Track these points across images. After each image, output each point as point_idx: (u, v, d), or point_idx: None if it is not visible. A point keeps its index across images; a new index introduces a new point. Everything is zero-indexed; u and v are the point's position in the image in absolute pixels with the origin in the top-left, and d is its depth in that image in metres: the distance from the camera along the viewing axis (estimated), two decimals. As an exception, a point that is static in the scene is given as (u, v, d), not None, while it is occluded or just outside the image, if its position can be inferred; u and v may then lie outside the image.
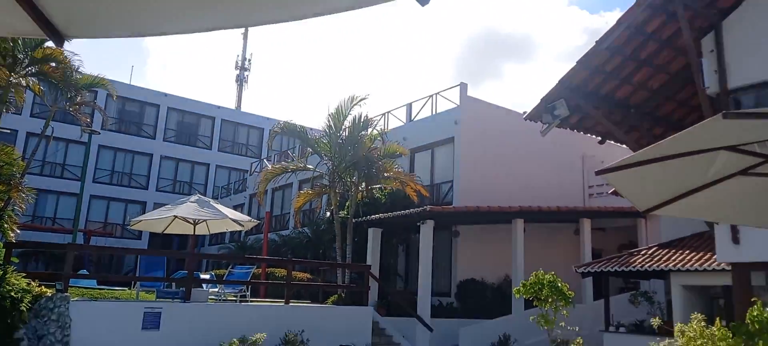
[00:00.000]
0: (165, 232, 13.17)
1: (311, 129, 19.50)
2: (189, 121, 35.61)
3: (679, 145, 3.43)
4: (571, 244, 15.94)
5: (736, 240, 8.14)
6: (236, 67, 41.53)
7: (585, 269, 11.93)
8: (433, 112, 19.68)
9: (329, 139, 15.43)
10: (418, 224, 14.60)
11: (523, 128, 14.23)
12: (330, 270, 16.82)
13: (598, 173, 3.89)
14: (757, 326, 4.52)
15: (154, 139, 34.00)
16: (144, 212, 28.72)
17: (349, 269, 14.50)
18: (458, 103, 18.40)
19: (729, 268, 8.38)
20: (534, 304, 6.99)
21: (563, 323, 6.83)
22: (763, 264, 8.04)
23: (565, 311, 6.54)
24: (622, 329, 10.70)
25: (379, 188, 16.81)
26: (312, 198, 17.14)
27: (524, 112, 11.60)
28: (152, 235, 28.00)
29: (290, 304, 11.75)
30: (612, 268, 11.08)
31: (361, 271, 14.41)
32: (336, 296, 13.96)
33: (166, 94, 34.72)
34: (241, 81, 41.18)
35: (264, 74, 67.02)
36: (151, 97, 34.19)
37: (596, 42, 9.63)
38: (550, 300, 6.57)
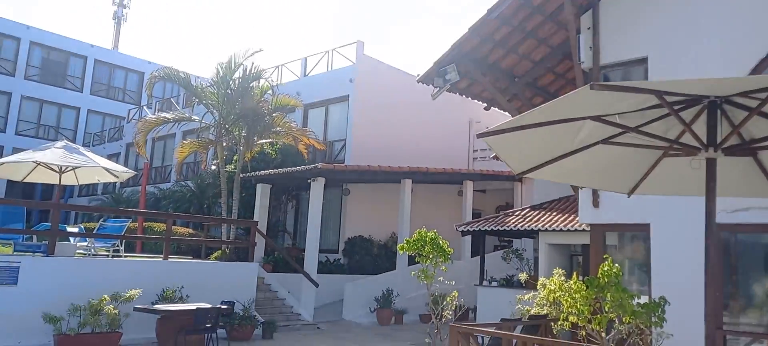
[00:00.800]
0: (26, 180, 11.87)
1: (198, 77, 18.41)
2: (56, 59, 32.01)
3: (551, 112, 3.64)
4: (455, 204, 16.76)
5: (596, 204, 8.99)
6: (114, 3, 37.77)
7: (465, 227, 12.63)
8: (329, 69, 19.42)
9: (217, 90, 14.67)
10: (309, 180, 14.49)
11: (416, 91, 14.52)
12: (215, 226, 16.25)
13: (479, 135, 4.04)
14: (606, 280, 5.04)
15: (14, 76, 30.25)
16: (1, 157, 25.70)
17: (235, 225, 14.10)
18: (354, 61, 18.30)
19: (588, 228, 9.26)
20: (416, 260, 7.28)
21: (442, 278, 7.19)
22: (617, 225, 8.97)
23: (444, 267, 6.88)
24: (494, 283, 11.56)
25: (270, 143, 16.38)
26: (197, 150, 16.31)
27: (418, 75, 11.79)
28: (10, 183, 25.17)
29: (169, 260, 11.21)
30: (489, 227, 11.83)
31: (248, 227, 14.08)
32: (220, 252, 13.55)
33: (28, 27, 30.86)
34: (118, 18, 37.54)
35: (146, 13, 61.73)
36: (10, 28, 30.22)
37: (487, 10, 9.93)
38: (430, 257, 6.87)
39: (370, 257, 15.85)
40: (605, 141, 4.32)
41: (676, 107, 3.77)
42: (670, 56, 8.70)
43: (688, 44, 8.53)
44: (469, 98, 12.79)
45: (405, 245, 7.20)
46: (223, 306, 9.49)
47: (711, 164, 3.72)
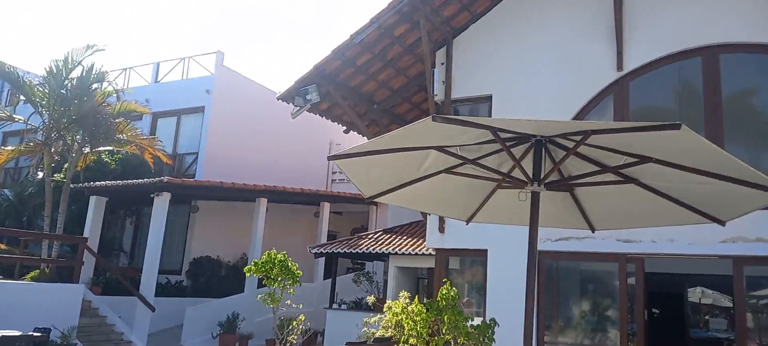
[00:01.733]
0: None
1: (27, 73, 16.28)
2: None
3: (398, 140, 3.75)
4: (312, 225, 16.65)
5: (442, 229, 9.49)
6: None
7: (318, 249, 12.57)
8: (185, 77, 18.35)
9: (49, 88, 13.04)
10: (153, 195, 13.42)
11: (276, 107, 14.25)
12: (33, 242, 14.26)
13: (329, 158, 4.02)
14: (444, 303, 5.28)
15: None
16: None
17: (59, 241, 12.50)
18: (213, 71, 17.52)
19: (434, 252, 9.73)
20: (263, 283, 7.02)
21: (289, 302, 7.03)
22: (460, 250, 9.55)
23: (291, 290, 6.73)
24: (343, 306, 11.61)
25: (109, 152, 14.91)
26: (20, 155, 14.29)
27: (279, 93, 11.59)
28: None
29: (-30, 280, 9.58)
30: (342, 249, 11.91)
31: (76, 243, 12.58)
32: (38, 271, 11.90)
33: None
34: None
35: (-31, -6, 53.37)
36: None
37: (350, 35, 10.11)
38: (279, 279, 6.68)
39: (217, 278, 15.04)
40: (447, 170, 4.55)
41: (508, 143, 4.09)
42: (511, 97, 9.55)
43: (526, 88, 9.44)
44: (330, 120, 12.87)
45: (253, 267, 6.93)
46: (35, 334, 8.31)
47: (535, 197, 4.09)
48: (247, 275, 7.23)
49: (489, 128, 3.58)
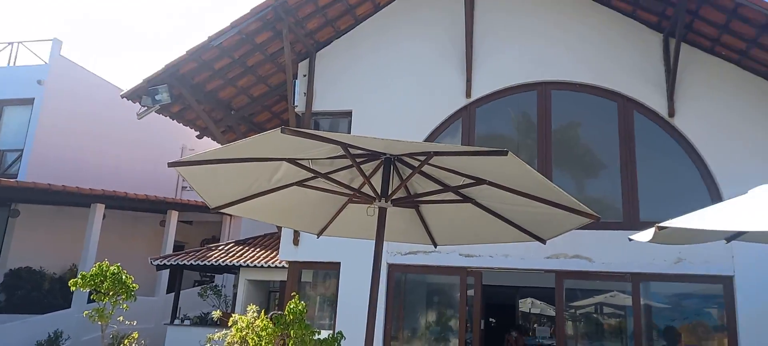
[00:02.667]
0: None
1: None
2: None
3: (246, 150, 3.64)
4: (157, 235, 15.49)
5: (296, 242, 9.39)
6: None
7: (161, 261, 11.73)
8: (11, 64, 16.14)
9: None
10: (-40, 195, 11.54)
11: (122, 106, 13.10)
12: None
13: (170, 165, 3.77)
14: (292, 317, 5.22)
15: None
16: None
17: None
18: (48, 60, 15.63)
19: (287, 265, 9.59)
20: (92, 297, 6.35)
21: (121, 318, 6.43)
22: (313, 263, 9.52)
23: (125, 305, 6.17)
24: (186, 322, 10.94)
25: None
26: None
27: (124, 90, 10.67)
28: None
29: None
30: (188, 261, 11.24)
31: None
32: None
33: None
34: None
35: None
36: None
37: (208, 37, 9.67)
38: (111, 293, 6.08)
39: (38, 292, 13.29)
40: (299, 183, 4.53)
41: (359, 160, 4.19)
42: (370, 114, 9.80)
43: (384, 106, 9.77)
44: (182, 124, 12.13)
45: (80, 280, 6.22)
46: None
47: (382, 213, 4.22)
48: (72, 288, 6.48)
49: (339, 143, 3.63)
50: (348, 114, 9.99)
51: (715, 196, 7.99)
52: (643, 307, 8.31)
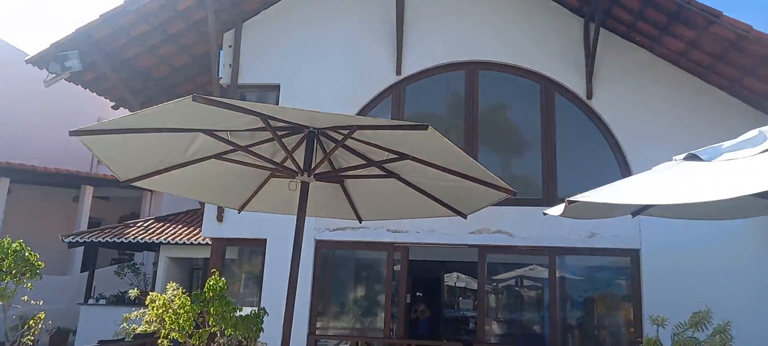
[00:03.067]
0: None
1: None
2: None
3: (156, 119, 3.43)
4: (69, 211, 14.56)
5: (220, 218, 9.11)
6: None
7: (73, 238, 11.05)
8: None
9: None
10: None
11: (31, 72, 12.10)
12: None
13: (71, 133, 3.49)
14: (211, 294, 5.06)
15: None
16: None
17: None
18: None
19: (211, 242, 9.30)
20: (-8, 277, 5.86)
21: (26, 298, 6.00)
22: (238, 240, 9.29)
23: (29, 284, 5.75)
24: (102, 302, 10.40)
25: None
26: None
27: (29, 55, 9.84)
28: None
29: None
30: (104, 239, 10.65)
31: None
32: None
33: None
34: None
35: None
36: None
37: (125, 2, 9.06)
38: (13, 272, 5.64)
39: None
40: (217, 156, 4.35)
41: (282, 133, 4.07)
42: (298, 88, 9.59)
43: (314, 80, 9.58)
44: (96, 93, 11.37)
45: (-24, 259, 5.71)
46: None
47: (304, 187, 4.13)
48: (-33, 269, 5.93)
49: (258, 115, 3.50)
50: (276, 88, 9.73)
51: (626, 175, 8.46)
52: (559, 279, 8.74)
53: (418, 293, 14.14)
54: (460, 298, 15.43)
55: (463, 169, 3.84)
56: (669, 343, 4.74)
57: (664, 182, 3.09)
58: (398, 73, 9.40)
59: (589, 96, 8.84)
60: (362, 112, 9.40)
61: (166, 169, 4.30)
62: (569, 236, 8.44)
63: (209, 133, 3.91)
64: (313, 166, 4.08)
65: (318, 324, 8.90)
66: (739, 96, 8.21)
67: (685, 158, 3.24)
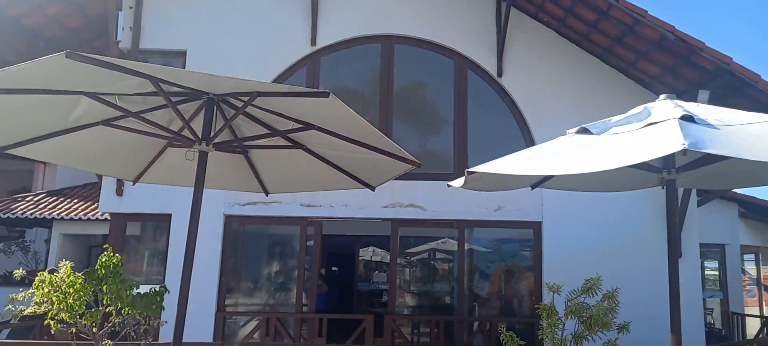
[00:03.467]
0: None
1: None
2: None
3: (27, 77, 3.07)
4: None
5: (120, 192, 8.56)
6: None
7: (-48, 214, 9.99)
8: None
9: None
10: None
11: None
12: None
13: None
14: (104, 271, 4.72)
15: None
16: None
17: None
18: None
19: (110, 218, 8.72)
20: None
21: None
22: (141, 215, 8.78)
23: None
24: (-14, 283, 9.53)
25: None
26: None
27: None
28: None
29: None
30: (-13, 214, 9.71)
31: None
32: None
33: None
34: None
35: None
36: None
37: (7, -48, 8.16)
38: None
39: None
40: (106, 123, 4.02)
41: (178, 99, 3.81)
42: (208, 55, 9.11)
43: (225, 48, 9.14)
44: (-25, 53, 10.24)
45: None
46: None
47: (203, 157, 3.91)
48: None
49: (147, 77, 3.24)
50: (182, 54, 9.20)
51: (531, 150, 8.83)
52: (468, 251, 9.03)
53: (333, 269, 14.14)
54: (377, 272, 15.61)
55: (368, 140, 3.79)
56: (563, 309, 5.01)
57: (555, 154, 3.20)
58: (313, 44, 9.19)
59: (500, 74, 9.09)
60: (276, 82, 9.12)
61: (47, 136, 3.91)
62: (478, 210, 8.71)
63: (93, 96, 3.58)
64: (212, 135, 3.87)
65: (228, 301, 8.65)
66: (634, 78, 8.76)
67: (577, 132, 3.37)
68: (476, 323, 8.73)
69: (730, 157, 3.37)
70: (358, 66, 9.71)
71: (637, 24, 7.35)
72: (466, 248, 8.93)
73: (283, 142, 4.35)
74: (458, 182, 3.68)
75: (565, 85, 8.97)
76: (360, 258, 14.93)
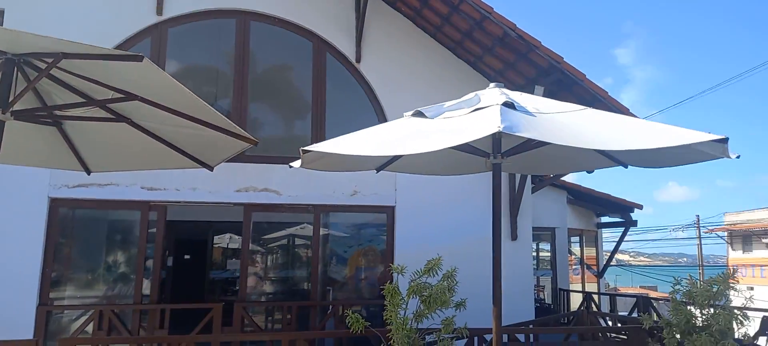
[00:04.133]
0: None
1: None
2: None
3: None
4: None
5: None
6: None
7: None
8: None
9: None
10: None
11: None
12: None
13: None
14: None
15: None
16: None
17: None
18: None
19: None
20: None
21: None
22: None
23: None
24: None
25: None
26: None
27: None
28: None
29: None
30: None
31: None
32: None
33: None
34: None
35: None
36: None
37: None
38: None
39: None
40: None
41: (-36, 56, 3.23)
42: (31, 18, 8.00)
43: (52, 11, 8.10)
44: None
45: None
46: None
47: (-2, 126, 3.36)
48: None
49: None
50: (-1, 13, 7.98)
51: (387, 137, 9.01)
52: (326, 236, 8.99)
53: (185, 256, 13.36)
54: (234, 259, 15.02)
55: (198, 114, 3.52)
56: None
57: (390, 136, 3.22)
58: (159, 13, 8.48)
59: (358, 59, 9.12)
60: (124, 46, 8.28)
61: None
62: (334, 194, 8.70)
63: None
64: (10, 100, 3.33)
65: (54, 294, 7.72)
66: (480, 71, 9.29)
67: (413, 115, 3.42)
68: (330, 308, 8.74)
69: (549, 145, 3.64)
70: (210, 42, 9.15)
71: (484, 20, 7.77)
72: (322, 233, 8.88)
73: (104, 114, 3.90)
74: (297, 163, 3.57)
75: (419, 75, 9.26)
76: (216, 245, 14.26)
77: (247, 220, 8.54)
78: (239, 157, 8.39)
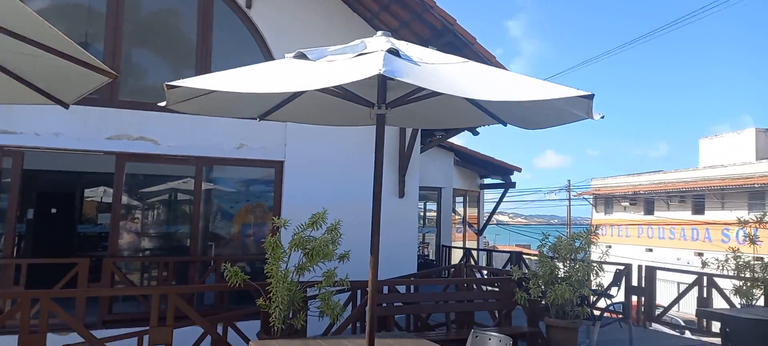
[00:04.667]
0: None
1: None
2: None
3: None
4: None
5: None
6: None
7: None
8: None
9: None
10: None
11: None
12: None
13: None
14: None
15: None
16: None
17: None
18: None
19: None
20: None
21: None
22: None
23: None
24: None
25: None
26: None
27: None
28: None
29: None
30: None
31: None
32: None
33: None
34: None
35: None
36: None
37: None
38: None
39: None
40: None
41: None
42: None
43: None
44: None
45: None
46: None
47: None
48: None
49: None
50: None
51: (277, 89, 8.68)
52: (209, 191, 8.57)
53: (52, 210, 12.17)
54: (102, 212, 13.95)
55: (46, 41, 3.08)
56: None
57: (268, 76, 3.04)
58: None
59: (249, 6, 8.64)
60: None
61: None
62: (218, 146, 8.29)
63: None
64: None
65: None
66: (377, 28, 9.20)
67: (295, 56, 3.25)
68: (211, 263, 8.42)
69: (434, 98, 3.66)
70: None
71: (380, -26, 7.66)
72: (206, 188, 8.46)
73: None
74: (163, 102, 3.27)
75: (314, 27, 8.99)
76: (88, 198, 13.14)
77: (120, 170, 7.89)
78: (112, 102, 7.73)
